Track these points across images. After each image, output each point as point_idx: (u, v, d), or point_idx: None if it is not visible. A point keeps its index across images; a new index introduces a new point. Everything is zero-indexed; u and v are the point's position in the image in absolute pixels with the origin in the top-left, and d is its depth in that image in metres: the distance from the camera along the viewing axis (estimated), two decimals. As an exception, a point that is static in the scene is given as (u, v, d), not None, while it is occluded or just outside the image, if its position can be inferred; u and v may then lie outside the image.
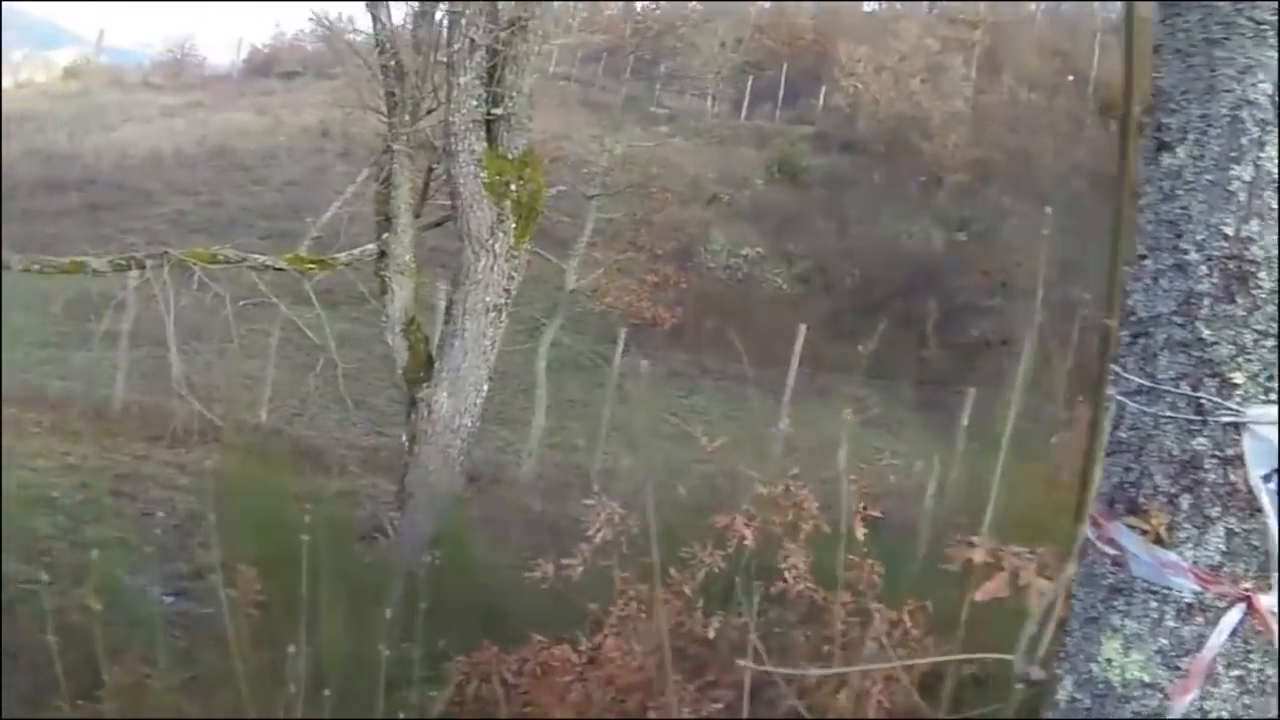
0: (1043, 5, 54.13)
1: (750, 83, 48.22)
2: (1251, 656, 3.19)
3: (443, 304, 12.18)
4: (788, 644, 5.87)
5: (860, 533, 5.69)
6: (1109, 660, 3.31)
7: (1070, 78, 45.56)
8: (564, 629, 6.38)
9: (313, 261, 12.24)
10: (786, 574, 5.93)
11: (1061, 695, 3.47)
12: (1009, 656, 3.06)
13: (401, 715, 5.30)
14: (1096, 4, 47.63)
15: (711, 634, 5.90)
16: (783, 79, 48.62)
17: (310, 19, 61.33)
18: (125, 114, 45.47)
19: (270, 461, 12.39)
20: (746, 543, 5.98)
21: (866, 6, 57.35)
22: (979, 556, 3.72)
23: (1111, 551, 3.26)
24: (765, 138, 43.95)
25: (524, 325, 19.20)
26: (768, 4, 54.00)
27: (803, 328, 19.94)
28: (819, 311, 26.77)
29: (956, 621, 6.35)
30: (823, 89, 47.07)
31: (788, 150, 41.62)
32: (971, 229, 34.36)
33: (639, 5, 46.24)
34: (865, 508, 6.09)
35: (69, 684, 5.93)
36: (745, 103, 48.20)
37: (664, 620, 5.45)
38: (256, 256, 12.30)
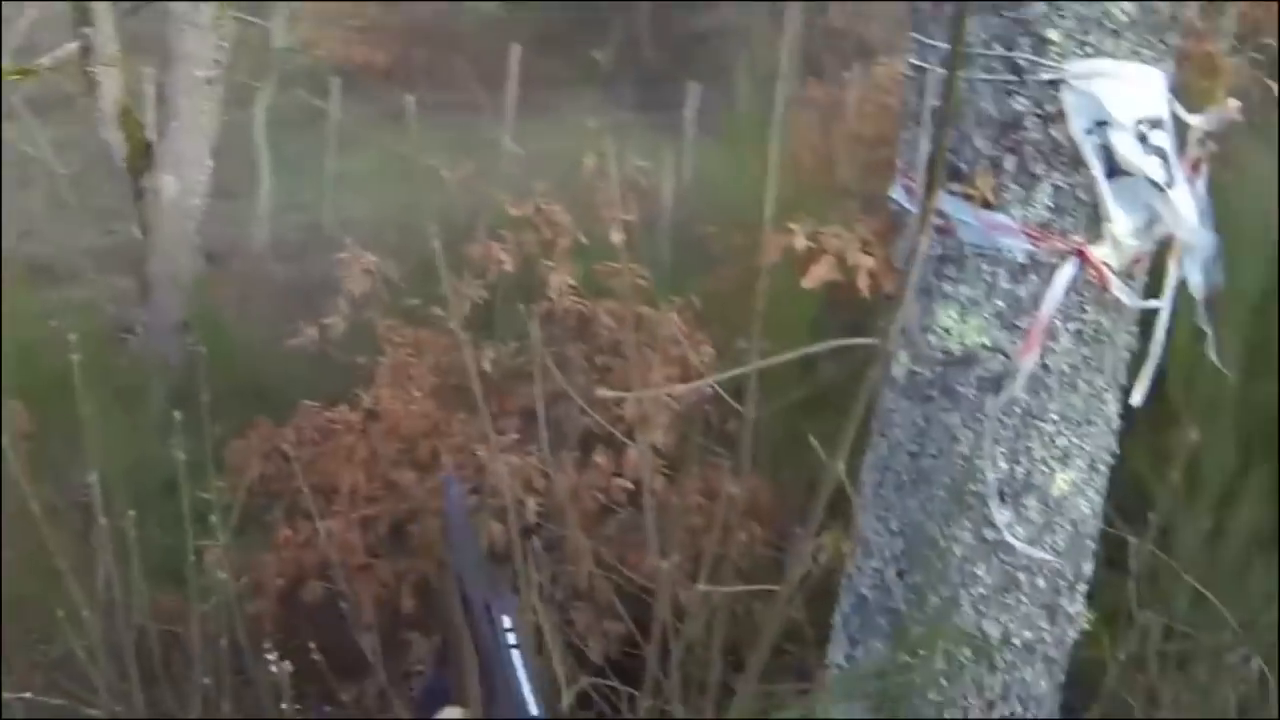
0: None
1: None
2: (1086, 308, 3.33)
3: (153, 89, 11.82)
4: (564, 362, 5.78)
5: (617, 239, 5.59)
6: (946, 329, 3.40)
7: None
8: (337, 391, 6.26)
9: (18, 72, 11.82)
10: (550, 291, 5.84)
11: (898, 371, 3.55)
12: (869, 341, 3.01)
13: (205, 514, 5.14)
14: None
15: (487, 365, 5.80)
16: None
17: None
18: None
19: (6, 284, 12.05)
20: (505, 268, 5.89)
21: None
22: (800, 243, 3.66)
23: (936, 221, 3.27)
24: None
25: (236, 92, 18.78)
26: None
27: (516, 47, 19.69)
28: (531, 30, 26.47)
29: (724, 315, 6.35)
30: None
31: None
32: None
33: None
34: (616, 212, 6.02)
35: None
36: None
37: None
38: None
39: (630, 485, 5.34)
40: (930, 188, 2.50)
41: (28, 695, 5.07)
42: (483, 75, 20.56)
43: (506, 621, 2.01)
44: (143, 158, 10.33)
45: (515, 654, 1.96)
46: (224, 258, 14.80)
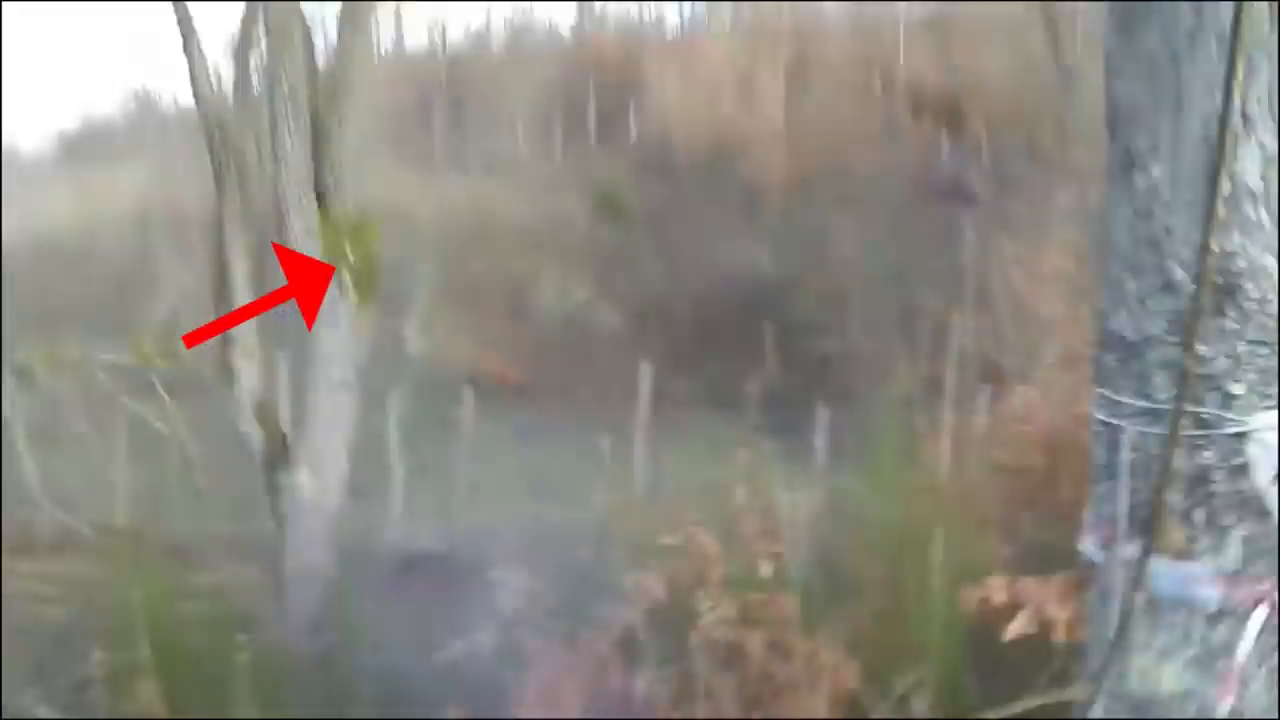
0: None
1: (561, 120, 48.08)
2: (1277, 652, 3.29)
3: (290, 383, 11.96)
4: (711, 690, 5.76)
5: (766, 569, 5.62)
6: (1143, 674, 3.38)
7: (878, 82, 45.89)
8: (480, 705, 6.24)
9: (158, 355, 12.01)
10: (702, 621, 5.84)
11: (1095, 713, 3.51)
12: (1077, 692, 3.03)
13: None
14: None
15: (642, 688, 5.79)
16: (592, 113, 48.52)
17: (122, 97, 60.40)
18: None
19: (136, 563, 12.13)
20: (658, 596, 5.89)
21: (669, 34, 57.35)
22: (998, 598, 3.70)
23: (1129, 573, 3.30)
24: (582, 176, 43.85)
25: (368, 395, 19.01)
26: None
27: (646, 366, 19.87)
28: (659, 347, 26.70)
29: (870, 644, 6.32)
30: (631, 118, 47.03)
31: (605, 187, 41.49)
32: (797, 246, 34.44)
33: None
34: (766, 544, 6.06)
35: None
36: (559, 142, 48.03)
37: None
38: (101, 355, 12.03)
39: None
40: (1147, 546, 2.52)
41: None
42: (612, 393, 20.76)
43: None
44: (279, 452, 10.42)
45: None
46: (354, 557, 14.89)
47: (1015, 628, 3.65)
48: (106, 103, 75.05)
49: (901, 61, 45.74)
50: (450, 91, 40.93)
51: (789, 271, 32.83)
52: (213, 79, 10.94)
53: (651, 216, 38.83)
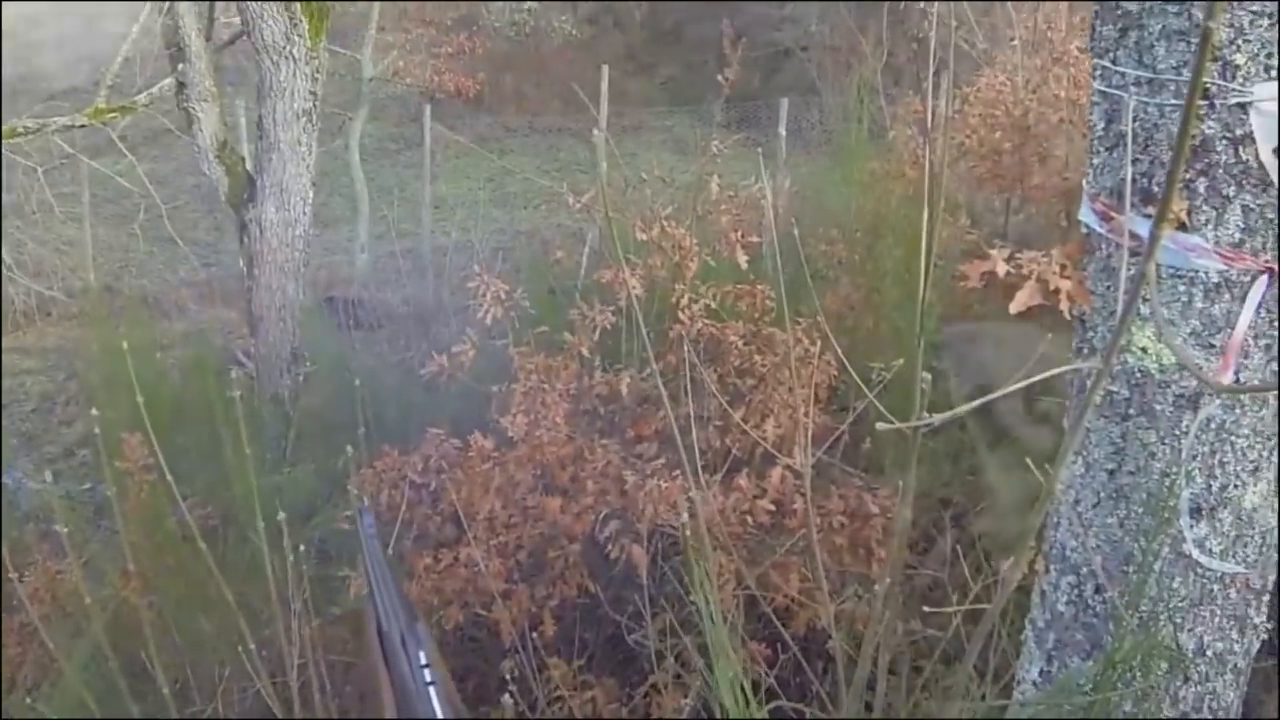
0: None
1: None
2: (1276, 324, 3.30)
3: (250, 121, 11.89)
4: (696, 385, 5.75)
5: (743, 260, 5.57)
6: (1143, 349, 3.41)
7: None
8: (463, 419, 6.25)
9: (113, 110, 11.89)
10: (681, 315, 5.82)
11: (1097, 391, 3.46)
12: (1090, 365, 2.99)
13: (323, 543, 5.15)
14: None
15: (624, 390, 5.78)
16: None
17: None
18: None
19: (110, 320, 12.12)
20: (636, 293, 5.86)
21: None
22: (1001, 269, 3.64)
23: (1131, 244, 3.29)
24: None
25: (329, 123, 18.85)
26: None
27: (605, 68, 19.71)
28: (613, 50, 26.50)
29: (843, 330, 6.33)
30: None
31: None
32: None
33: None
34: (741, 234, 6.01)
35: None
36: None
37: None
38: (56, 120, 11.89)
39: (772, 507, 5.29)
40: (1160, 217, 2.47)
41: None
42: (569, 97, 20.63)
43: (422, 656, 1.99)
44: (244, 191, 10.38)
45: (431, 690, 1.94)
46: (324, 285, 14.91)
47: (1022, 298, 3.60)
48: None
49: None
50: None
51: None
52: None
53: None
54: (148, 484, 5.93)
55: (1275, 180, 3.12)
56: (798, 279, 7.34)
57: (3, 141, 11.31)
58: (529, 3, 30.65)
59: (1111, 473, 3.58)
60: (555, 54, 28.13)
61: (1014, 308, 3.58)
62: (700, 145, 6.45)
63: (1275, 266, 3.21)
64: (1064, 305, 3.56)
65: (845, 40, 19.52)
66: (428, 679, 1.96)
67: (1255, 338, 3.31)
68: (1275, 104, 3.07)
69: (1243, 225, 3.21)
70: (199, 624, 5.23)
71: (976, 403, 3.08)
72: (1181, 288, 3.31)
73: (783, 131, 17.50)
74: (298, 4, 10.04)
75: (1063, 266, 3.58)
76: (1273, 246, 3.22)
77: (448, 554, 5.48)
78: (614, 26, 30.84)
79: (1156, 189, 3.29)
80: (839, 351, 4.46)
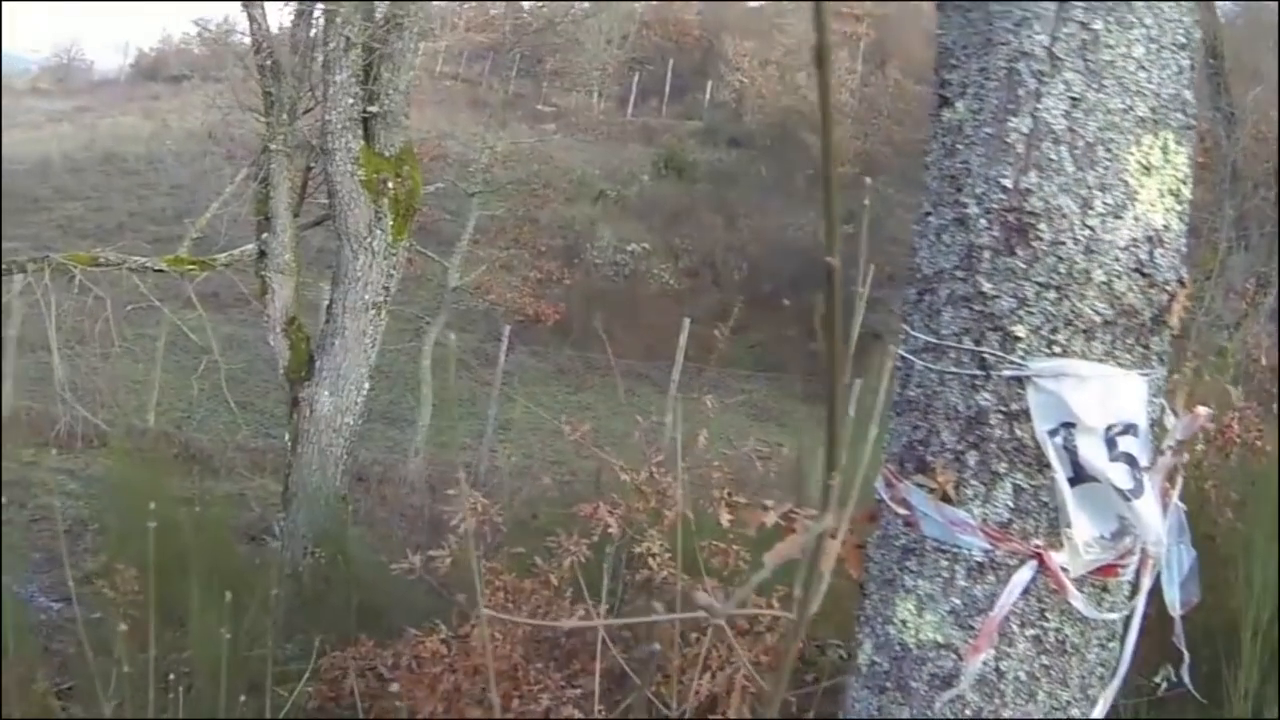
0: (928, -2, 53.93)
1: (636, 79, 48.15)
2: (1047, 615, 3.23)
3: (324, 303, 12.26)
4: (654, 632, 5.96)
5: (725, 519, 5.78)
6: (904, 622, 3.35)
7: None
8: (438, 622, 6.47)
9: (193, 263, 12.28)
10: (650, 561, 6.02)
11: (862, 659, 3.51)
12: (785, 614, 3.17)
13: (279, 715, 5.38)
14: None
15: (568, 625, 5.99)
16: (669, 75, 48.60)
17: (194, 23, 61.00)
18: (11, 120, 44.92)
19: (157, 465, 12.40)
20: (611, 531, 6.06)
21: (752, 4, 57.31)
22: (771, 519, 3.80)
23: (903, 512, 3.30)
24: (651, 134, 43.96)
25: (408, 324, 19.20)
26: (652, 1, 53.78)
27: (686, 321, 20.02)
28: (707, 305, 26.86)
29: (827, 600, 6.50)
30: (709, 84, 47.13)
31: (674, 146, 41.58)
32: (859, 222, 34.38)
33: (526, 4, 46.12)
34: (729, 494, 6.18)
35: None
36: (631, 99, 48.07)
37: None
38: (136, 259, 12.30)
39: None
40: (830, 466, 2.61)
41: None
42: (655, 344, 20.95)
43: None
44: (303, 368, 10.70)
45: None
46: (373, 480, 15.15)
47: (780, 550, 3.74)
48: (183, 25, 75.88)
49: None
50: (526, 41, 40.85)
51: (847, 247, 32.92)
52: (267, 15, 11.24)
53: (715, 178, 38.95)
54: (132, 622, 6.20)
55: (1051, 461, 3.11)
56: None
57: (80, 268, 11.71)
58: (634, 246, 31.14)
59: None
60: (650, 300, 28.43)
61: (768, 558, 3.74)
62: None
63: (1044, 553, 3.18)
64: (824, 566, 3.67)
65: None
66: None
67: (1021, 626, 3.25)
68: (1055, 382, 3.09)
69: (1013, 505, 3.18)
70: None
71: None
72: (945, 563, 3.27)
73: (849, 412, 17.69)
74: (385, 199, 10.44)
75: (836, 530, 3.68)
76: (1045, 531, 3.19)
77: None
78: (713, 284, 31.24)
79: (930, 458, 3.27)
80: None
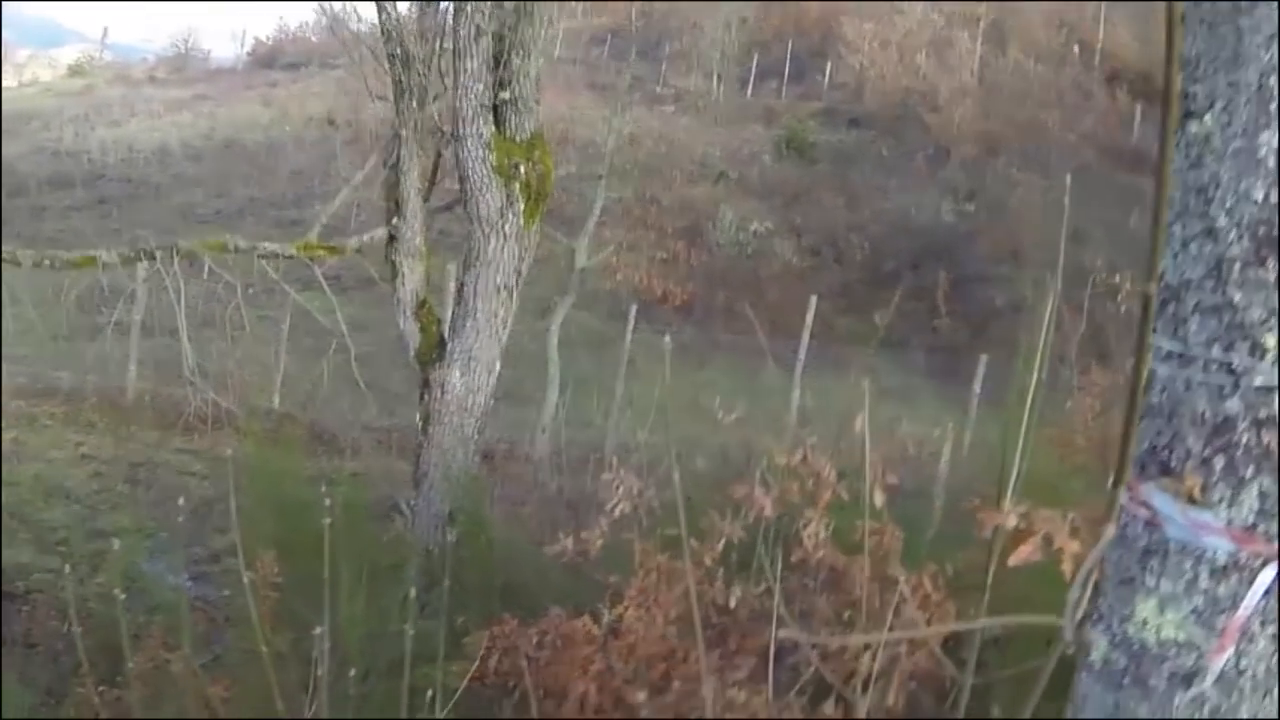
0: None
1: (756, 61, 48.10)
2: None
3: (453, 286, 12.19)
4: (810, 610, 5.86)
5: (879, 500, 5.67)
6: (1144, 621, 3.32)
7: (1076, 48, 45.66)
8: (583, 603, 6.39)
9: (323, 248, 12.26)
10: (806, 541, 5.92)
11: (1096, 656, 3.46)
12: (1052, 619, 3.03)
13: (427, 691, 5.29)
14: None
15: (733, 603, 5.90)
16: (788, 56, 48.52)
17: (315, 10, 61.49)
18: (131, 109, 45.50)
19: (285, 445, 12.42)
20: (765, 513, 5.97)
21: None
22: (1010, 521, 3.69)
23: (1144, 514, 3.26)
24: (772, 115, 43.87)
25: (535, 305, 19.20)
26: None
27: (814, 299, 19.93)
28: (829, 284, 26.85)
29: (976, 585, 6.37)
30: (829, 66, 47.03)
31: (795, 126, 41.51)
32: (980, 200, 34.35)
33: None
34: (883, 475, 6.08)
35: (91, 671, 5.95)
36: (751, 81, 48.03)
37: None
38: (266, 245, 12.28)
39: (854, 739, 5.35)
40: (1118, 478, 2.54)
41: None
42: (778, 322, 20.83)
43: None
44: (434, 351, 10.66)
45: None
46: (500, 459, 15.13)
47: (1022, 552, 3.64)
48: (300, 14, 76.51)
49: (1100, 33, 45.45)
50: (648, 25, 40.94)
51: (966, 224, 32.77)
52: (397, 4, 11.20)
53: (836, 159, 38.84)
54: (270, 601, 6.15)
55: None
56: (943, 531, 7.43)
57: (212, 255, 11.74)
58: (755, 226, 31.06)
59: None
60: (773, 278, 28.38)
61: (1012, 561, 3.63)
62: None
63: None
64: (1066, 566, 3.60)
65: (1047, 308, 19.55)
66: None
67: (1262, 624, 3.22)
68: None
69: (1258, 508, 3.14)
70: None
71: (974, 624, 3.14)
72: (1188, 564, 3.23)
73: (976, 388, 17.54)
74: (517, 184, 10.37)
75: (1075, 528, 3.62)
76: None
77: (535, 726, 5.61)
78: (835, 261, 31.14)
79: (1175, 463, 3.23)
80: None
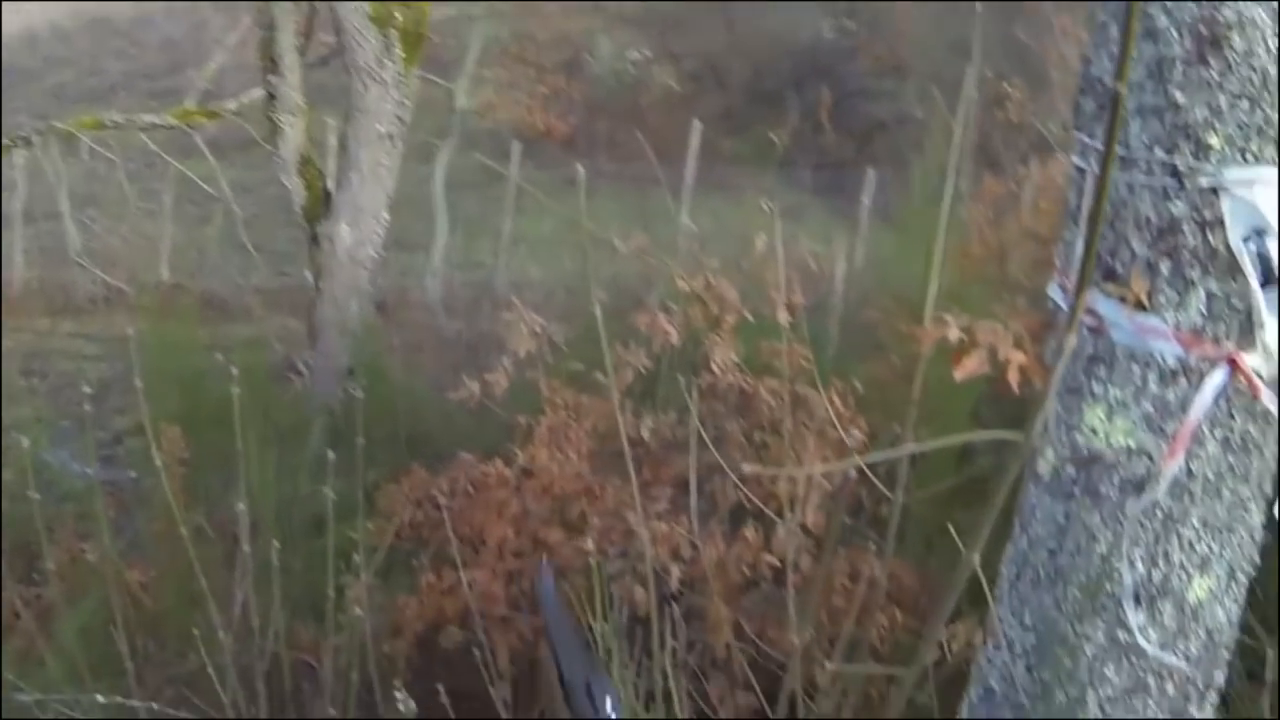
0: None
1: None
2: (1235, 416, 3.28)
3: (335, 140, 12.04)
4: (722, 435, 5.83)
5: (785, 319, 5.62)
6: (1093, 429, 3.37)
7: None
8: (493, 446, 6.35)
9: (201, 113, 12.08)
10: (714, 366, 5.88)
11: (1044, 468, 3.53)
12: (1012, 435, 2.99)
13: (350, 553, 5.26)
14: None
15: (646, 434, 5.86)
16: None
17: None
18: (-8, -6, 44.59)
19: (179, 317, 12.26)
20: (671, 340, 5.93)
21: None
22: (953, 334, 3.65)
23: (1089, 320, 3.29)
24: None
25: (418, 150, 19.01)
26: None
27: (697, 123, 19.80)
28: (712, 108, 26.64)
29: (884, 401, 6.37)
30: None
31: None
32: (860, 16, 34.20)
33: None
34: (788, 293, 6.04)
35: (10, 573, 5.89)
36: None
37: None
38: (144, 116, 12.07)
39: (777, 562, 5.35)
40: (1080, 286, 2.51)
41: (154, 705, 5.19)
42: (663, 149, 20.72)
43: (609, 703, 2.03)
44: (320, 206, 10.52)
45: None
46: (393, 307, 15.02)
47: (967, 365, 3.61)
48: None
49: None
50: None
51: (848, 41, 32.67)
52: None
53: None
54: (180, 478, 6.07)
55: (1242, 267, 3.11)
56: (845, 345, 7.40)
57: (88, 132, 11.53)
58: (634, 54, 30.84)
59: (1052, 552, 3.56)
60: (654, 106, 28.21)
61: (958, 374, 3.60)
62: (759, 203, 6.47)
63: (1236, 356, 3.19)
64: (1012, 378, 3.57)
65: (940, 120, 19.56)
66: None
67: (1211, 427, 3.29)
68: (1248, 188, 3.05)
69: (1205, 311, 3.19)
70: (189, 617, 5.35)
71: (907, 449, 3.13)
72: (1136, 369, 3.29)
73: (865, 201, 17.51)
74: (394, 30, 10.20)
75: (1019, 338, 3.59)
76: (1236, 335, 3.20)
77: (453, 575, 5.58)
78: (716, 86, 30.96)
79: (1120, 268, 3.27)
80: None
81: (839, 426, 5.51)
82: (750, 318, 6.14)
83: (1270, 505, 3.53)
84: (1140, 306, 3.24)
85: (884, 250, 11.75)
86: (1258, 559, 3.61)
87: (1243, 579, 3.61)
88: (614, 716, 1.99)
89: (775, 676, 5.04)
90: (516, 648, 5.50)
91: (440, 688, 4.69)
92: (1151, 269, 3.23)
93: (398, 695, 3.83)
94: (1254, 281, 3.12)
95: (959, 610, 3.33)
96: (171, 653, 5.84)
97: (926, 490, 4.06)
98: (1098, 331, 3.34)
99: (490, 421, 6.72)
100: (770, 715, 4.65)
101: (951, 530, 3.67)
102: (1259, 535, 3.59)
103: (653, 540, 5.14)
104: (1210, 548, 3.46)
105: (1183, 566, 3.46)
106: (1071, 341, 2.44)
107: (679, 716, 4.49)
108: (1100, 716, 3.56)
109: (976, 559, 2.97)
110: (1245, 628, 3.80)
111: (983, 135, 16.74)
